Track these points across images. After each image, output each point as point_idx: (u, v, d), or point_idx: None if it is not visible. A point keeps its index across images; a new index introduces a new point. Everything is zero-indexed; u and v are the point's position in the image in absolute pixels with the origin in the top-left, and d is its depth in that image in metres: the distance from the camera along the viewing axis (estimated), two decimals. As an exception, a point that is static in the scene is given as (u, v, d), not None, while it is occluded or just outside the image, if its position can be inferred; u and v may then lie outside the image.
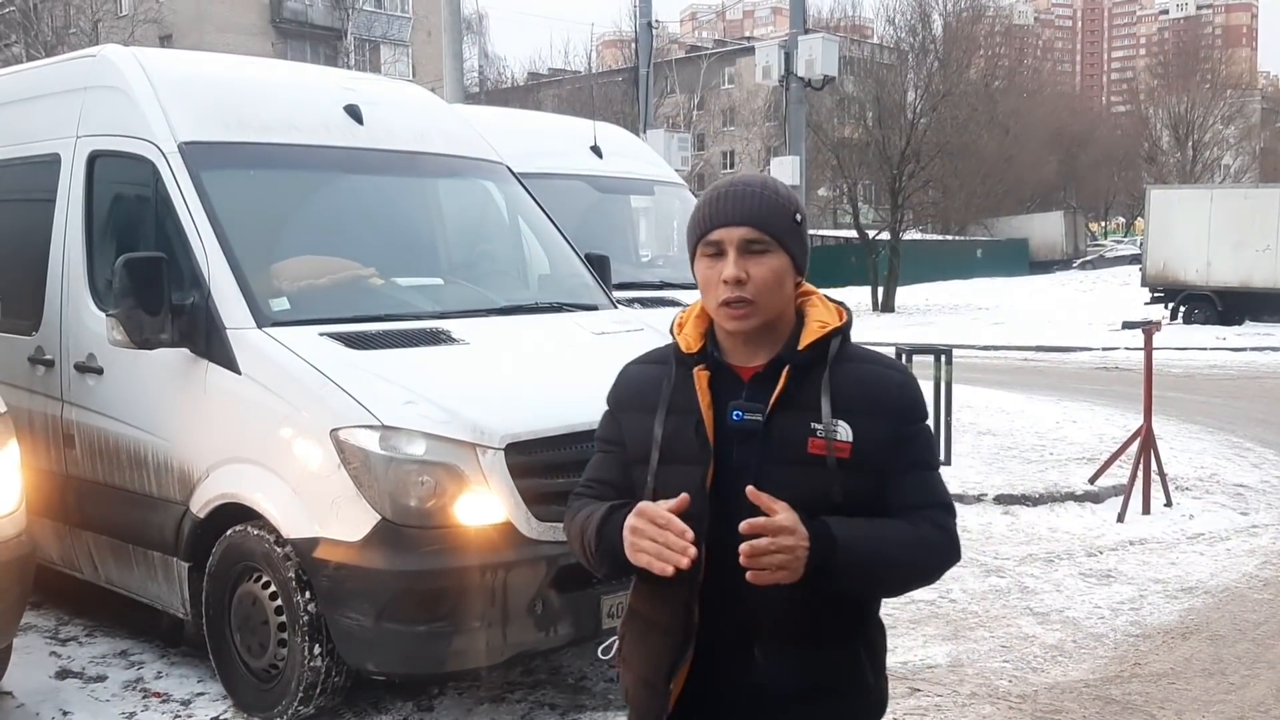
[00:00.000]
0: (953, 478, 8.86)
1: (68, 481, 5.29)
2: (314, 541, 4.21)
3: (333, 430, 4.19)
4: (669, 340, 2.12)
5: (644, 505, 1.93)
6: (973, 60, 43.27)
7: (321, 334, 4.57)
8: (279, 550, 4.32)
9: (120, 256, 4.62)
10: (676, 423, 2.01)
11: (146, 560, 4.98)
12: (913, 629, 5.75)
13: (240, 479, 4.51)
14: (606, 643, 2.31)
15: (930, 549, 2.03)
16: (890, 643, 5.66)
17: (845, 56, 22.56)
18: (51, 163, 5.46)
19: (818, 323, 2.03)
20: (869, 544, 1.95)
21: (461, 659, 4.23)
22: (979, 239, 54.72)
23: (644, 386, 2.10)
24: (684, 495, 1.90)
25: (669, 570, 1.86)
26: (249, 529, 4.47)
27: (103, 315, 4.86)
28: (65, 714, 4.68)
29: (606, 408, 2.18)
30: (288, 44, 50.75)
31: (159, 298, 4.56)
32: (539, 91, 56.35)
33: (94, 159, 5.28)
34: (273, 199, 5.34)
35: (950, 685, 5.08)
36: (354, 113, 5.52)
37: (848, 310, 2.11)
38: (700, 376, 2.01)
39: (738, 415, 1.98)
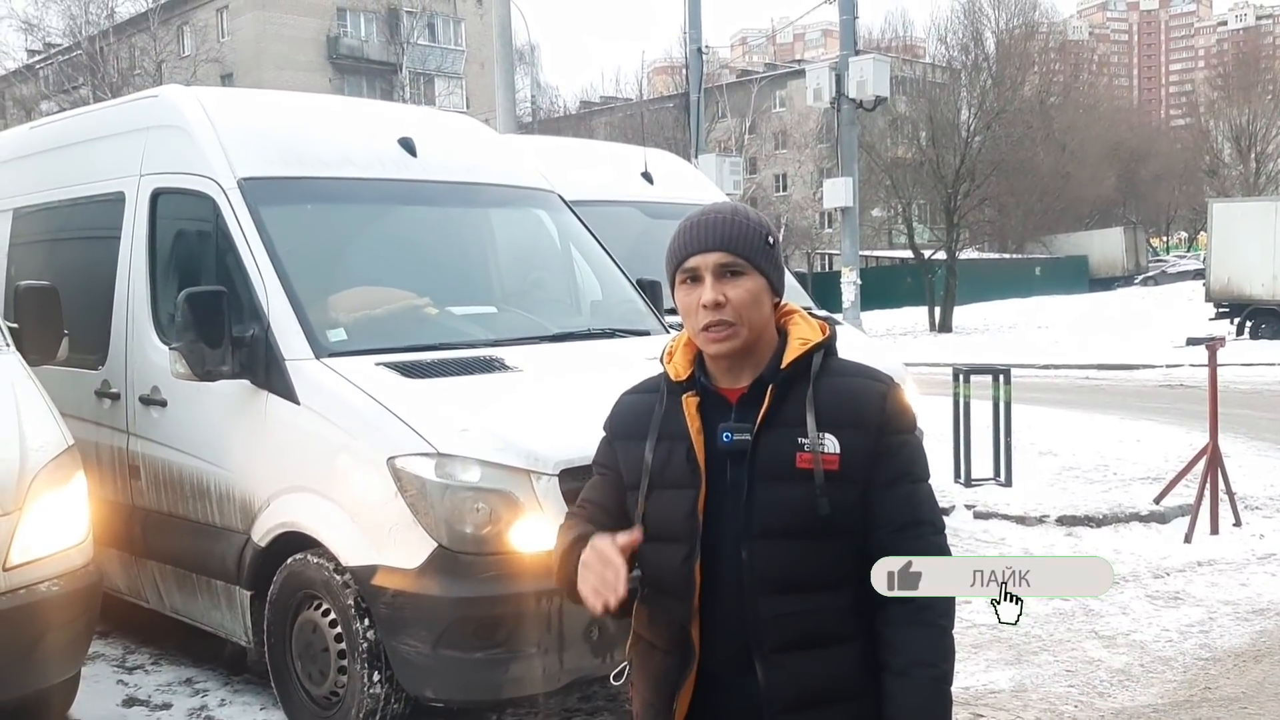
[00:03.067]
0: (1013, 499, 8.75)
1: (133, 512, 5.39)
2: (372, 569, 4.25)
3: (389, 458, 4.23)
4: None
5: (597, 540, 2.00)
6: (1027, 77, 42.90)
7: (378, 364, 4.63)
8: (338, 578, 4.37)
9: (182, 291, 4.73)
10: (668, 448, 2.07)
11: (210, 589, 5.07)
12: (974, 653, 5.67)
13: (300, 508, 4.57)
14: (619, 668, 2.34)
15: (935, 627, 2.01)
16: (950, 667, 5.49)
17: (897, 76, 22.51)
18: (116, 201, 5.61)
19: (799, 340, 2.07)
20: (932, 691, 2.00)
21: (518, 685, 4.23)
22: (1037, 257, 54.05)
23: (637, 414, 2.16)
24: (636, 533, 2.01)
25: (598, 607, 1.95)
26: (309, 557, 4.52)
27: (166, 349, 4.98)
28: (132, 741, 4.77)
29: (603, 434, 2.25)
30: (344, 79, 51.74)
31: (220, 331, 4.66)
32: (591, 119, 56.81)
33: (157, 196, 5.42)
34: (329, 231, 5.44)
35: (1014, 711, 5.00)
36: (407, 145, 5.62)
37: (832, 325, 2.14)
38: (689, 403, 2.07)
39: (727, 437, 2.04)
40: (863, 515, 2.02)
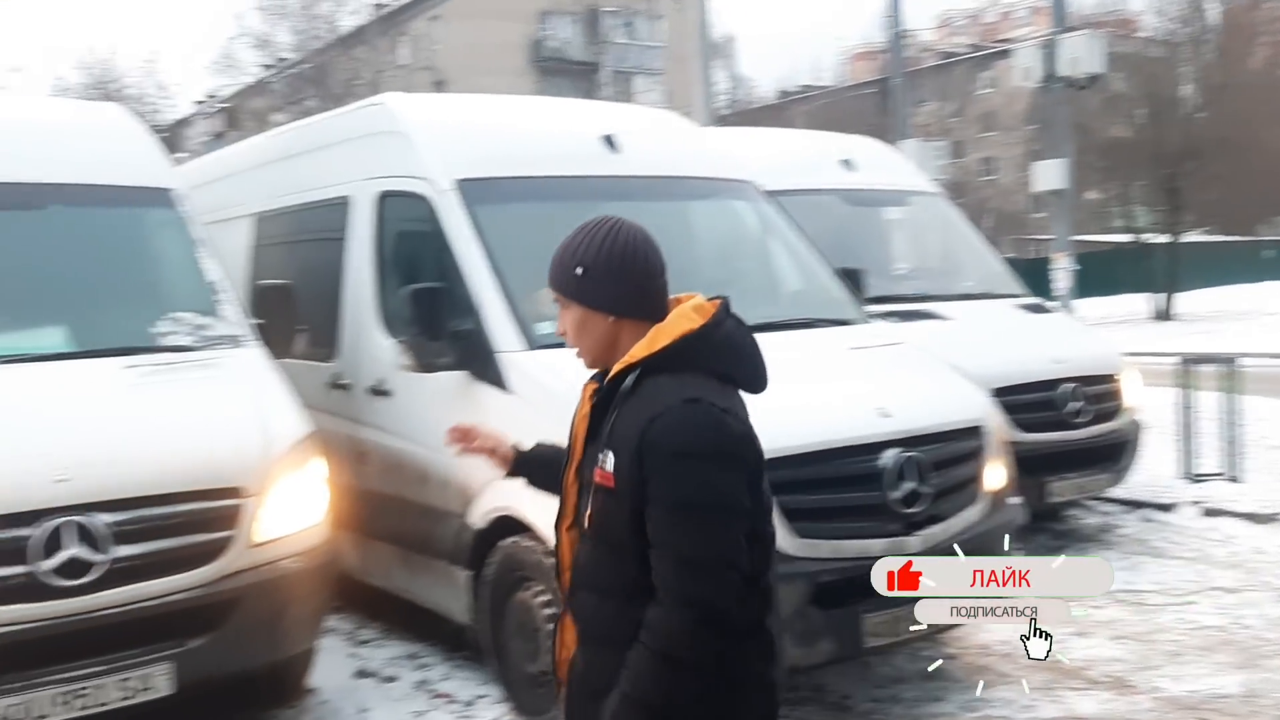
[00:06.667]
0: (1244, 495, 8.22)
1: (362, 495, 5.73)
2: (580, 553, 4.39)
3: (594, 447, 4.35)
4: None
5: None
6: (1254, 48, 39.99)
7: (584, 354, 4.76)
8: (548, 561, 4.54)
9: (405, 288, 5.01)
10: None
11: (431, 569, 5.34)
12: (1201, 656, 5.38)
13: (512, 493, 4.71)
14: None
15: (646, 650, 2.06)
16: (1175, 670, 5.29)
17: (1111, 53, 21.28)
18: (342, 204, 5.98)
19: (626, 357, 2.21)
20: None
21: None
22: (1267, 239, 50.29)
23: None
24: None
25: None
26: (521, 540, 4.71)
27: (390, 343, 5.28)
28: (363, 711, 5.07)
29: None
30: (548, 81, 52.99)
31: (440, 325, 4.92)
32: (789, 109, 56.33)
33: (379, 199, 5.75)
34: (538, 228, 5.59)
35: (1243, 717, 4.73)
36: (610, 142, 5.77)
37: (680, 342, 2.19)
38: (583, 390, 2.36)
39: None
40: (626, 534, 2.13)
